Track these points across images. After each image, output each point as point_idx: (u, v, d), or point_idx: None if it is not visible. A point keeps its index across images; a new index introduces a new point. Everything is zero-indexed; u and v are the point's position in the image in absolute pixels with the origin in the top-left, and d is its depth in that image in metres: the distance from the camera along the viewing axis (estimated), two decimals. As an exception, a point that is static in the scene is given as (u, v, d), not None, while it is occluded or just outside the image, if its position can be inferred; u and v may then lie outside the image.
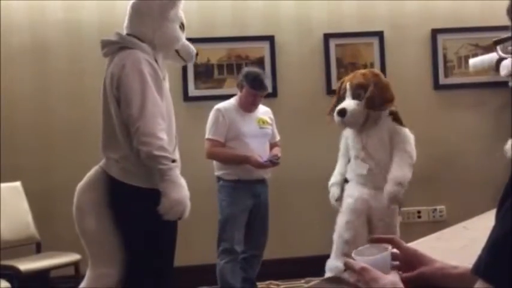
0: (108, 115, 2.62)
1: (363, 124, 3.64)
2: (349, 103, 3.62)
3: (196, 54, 2.88)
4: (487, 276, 0.72)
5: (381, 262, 1.11)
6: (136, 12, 2.68)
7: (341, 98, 3.72)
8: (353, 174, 3.72)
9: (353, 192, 3.66)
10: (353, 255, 1.15)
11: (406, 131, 3.63)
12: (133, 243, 2.61)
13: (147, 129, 2.48)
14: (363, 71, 3.81)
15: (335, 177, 3.84)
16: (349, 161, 3.79)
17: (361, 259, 1.12)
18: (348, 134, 3.79)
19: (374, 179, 3.61)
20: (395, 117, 3.67)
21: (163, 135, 2.53)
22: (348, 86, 3.67)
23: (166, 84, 2.70)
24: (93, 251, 2.66)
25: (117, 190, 2.60)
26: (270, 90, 3.97)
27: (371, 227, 3.60)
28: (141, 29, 2.65)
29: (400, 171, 3.50)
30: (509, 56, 0.97)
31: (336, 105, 3.71)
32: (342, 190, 3.76)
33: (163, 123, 2.56)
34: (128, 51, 2.58)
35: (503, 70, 4.18)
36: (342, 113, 3.59)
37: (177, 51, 2.77)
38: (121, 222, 2.61)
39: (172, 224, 2.68)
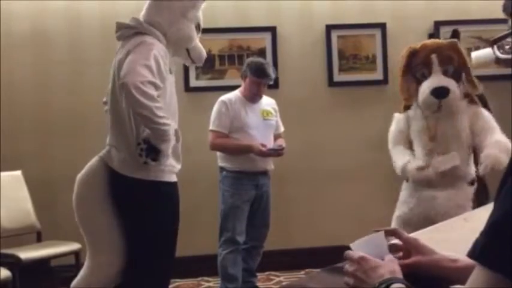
0: (114, 101, 2.61)
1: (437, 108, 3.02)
2: (448, 81, 2.99)
3: (206, 59, 2.89)
4: (482, 259, 0.71)
5: (374, 243, 1.12)
6: (156, 3, 2.69)
7: (415, 74, 3.11)
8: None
9: (410, 199, 3.11)
10: (350, 245, 1.15)
11: (485, 111, 3.06)
12: (134, 236, 2.61)
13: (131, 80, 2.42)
14: (443, 41, 3.18)
15: (405, 158, 3.14)
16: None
17: (354, 244, 1.13)
18: (402, 119, 3.22)
19: (446, 178, 3.01)
20: (473, 99, 3.05)
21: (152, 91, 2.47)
22: (434, 59, 3.05)
23: (172, 79, 2.69)
24: (92, 240, 2.65)
25: (117, 182, 2.60)
26: (274, 77, 3.91)
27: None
28: (158, 20, 2.66)
29: (505, 139, 2.85)
30: (508, 56, 0.94)
31: (408, 86, 3.10)
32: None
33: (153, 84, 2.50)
34: (143, 37, 2.58)
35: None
36: (444, 93, 2.94)
37: (188, 51, 2.78)
38: (121, 214, 2.62)
39: (174, 216, 2.68)
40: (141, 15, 2.71)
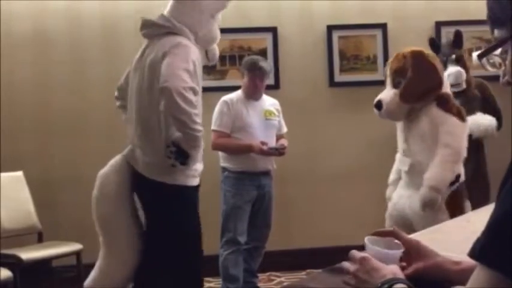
0: (143, 101, 2.59)
1: (408, 114, 3.16)
2: (386, 94, 3.19)
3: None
4: (482, 258, 0.71)
5: (392, 258, 1.11)
6: (185, 3, 2.67)
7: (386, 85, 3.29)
8: (401, 171, 3.27)
9: (394, 195, 3.27)
10: (366, 241, 1.15)
11: (453, 120, 3.07)
12: (156, 237, 2.63)
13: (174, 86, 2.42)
14: (405, 51, 3.23)
15: (391, 177, 3.38)
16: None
17: (375, 250, 1.12)
18: (398, 123, 3.34)
19: (415, 178, 3.11)
20: (441, 102, 3.09)
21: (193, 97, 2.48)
22: (388, 72, 3.24)
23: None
24: (109, 240, 2.65)
25: (141, 183, 2.61)
26: (269, 70, 3.92)
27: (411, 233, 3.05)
28: (188, 20, 2.65)
29: (436, 172, 2.98)
30: (496, 69, 0.92)
31: None
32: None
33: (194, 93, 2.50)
34: (178, 38, 2.57)
35: (450, 78, 3.85)
36: (378, 105, 3.18)
37: (206, 50, 2.79)
38: (145, 216, 2.63)
39: (195, 218, 2.70)
40: (168, 14, 2.69)
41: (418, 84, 3.07)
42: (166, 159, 2.51)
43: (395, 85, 3.18)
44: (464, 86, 4.02)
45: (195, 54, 2.55)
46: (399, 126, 3.30)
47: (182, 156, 2.50)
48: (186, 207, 2.65)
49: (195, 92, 2.48)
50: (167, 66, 2.44)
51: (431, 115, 3.07)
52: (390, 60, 3.33)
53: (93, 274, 2.66)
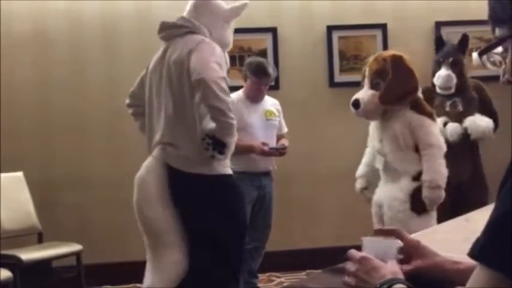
0: (174, 98, 2.64)
1: (383, 114, 3.33)
2: (364, 93, 3.32)
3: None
4: (482, 258, 0.71)
5: (386, 248, 1.12)
6: (202, 6, 2.75)
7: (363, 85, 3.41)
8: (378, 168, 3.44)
9: (376, 190, 3.45)
10: (363, 240, 1.15)
11: (428, 121, 3.27)
12: (208, 231, 2.65)
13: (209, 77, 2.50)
14: (385, 54, 3.41)
15: (360, 169, 3.56)
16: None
17: (366, 239, 1.13)
18: (372, 123, 3.50)
19: (389, 176, 3.33)
20: (415, 105, 3.28)
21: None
22: (366, 72, 3.36)
23: None
24: (158, 240, 2.65)
25: (178, 179, 2.63)
26: (274, 75, 3.94)
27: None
28: (204, 20, 2.72)
29: (433, 172, 3.18)
30: (496, 67, 0.93)
31: None
32: (368, 181, 3.52)
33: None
34: (200, 37, 2.65)
35: (438, 80, 4.11)
36: (356, 104, 3.31)
37: None
38: (185, 212, 2.64)
39: (243, 205, 2.79)
40: (187, 15, 2.76)
41: (398, 87, 3.23)
42: (204, 151, 2.57)
43: (373, 86, 3.31)
44: (453, 90, 4.11)
45: (219, 50, 2.63)
46: (374, 124, 3.42)
47: (219, 146, 2.57)
48: (230, 195, 2.72)
49: (226, 82, 2.58)
50: (197, 60, 2.53)
51: (406, 118, 3.24)
52: (369, 61, 3.41)
53: (147, 277, 2.69)
